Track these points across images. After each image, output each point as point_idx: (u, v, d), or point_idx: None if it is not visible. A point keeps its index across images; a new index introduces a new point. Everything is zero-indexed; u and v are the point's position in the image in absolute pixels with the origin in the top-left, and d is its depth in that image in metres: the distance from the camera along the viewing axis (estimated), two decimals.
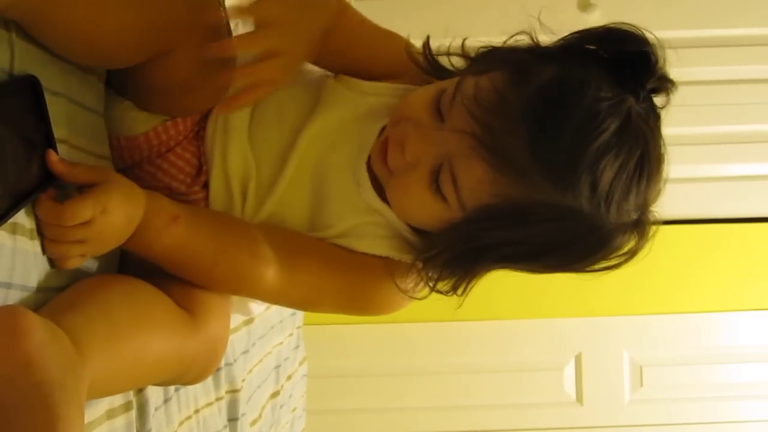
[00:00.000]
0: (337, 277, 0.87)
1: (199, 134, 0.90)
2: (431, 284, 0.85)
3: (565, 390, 2.40)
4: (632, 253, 0.78)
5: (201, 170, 0.89)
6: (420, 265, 0.85)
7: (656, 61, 0.77)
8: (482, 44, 0.87)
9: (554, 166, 0.71)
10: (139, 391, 0.82)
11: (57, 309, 0.65)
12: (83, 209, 0.67)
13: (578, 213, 0.73)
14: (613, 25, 0.78)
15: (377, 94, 0.90)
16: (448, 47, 0.88)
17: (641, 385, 2.39)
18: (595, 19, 2.31)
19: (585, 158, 0.71)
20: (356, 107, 0.89)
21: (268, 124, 0.89)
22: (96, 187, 0.69)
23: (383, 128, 0.88)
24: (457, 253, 0.80)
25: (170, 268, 0.79)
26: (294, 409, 1.60)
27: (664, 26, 2.49)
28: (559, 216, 0.74)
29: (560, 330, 2.39)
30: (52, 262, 0.68)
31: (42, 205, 0.66)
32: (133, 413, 0.79)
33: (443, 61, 0.89)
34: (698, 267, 2.36)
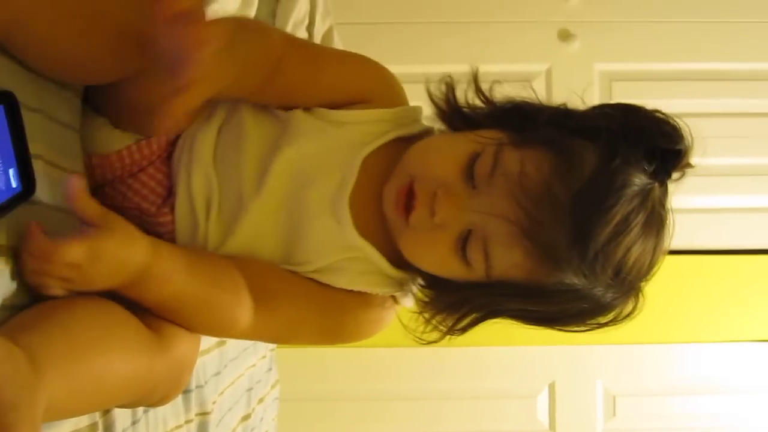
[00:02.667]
0: (313, 316, 0.88)
1: (171, 156, 0.89)
2: (431, 322, 0.86)
3: (539, 418, 2.40)
4: (624, 318, 0.85)
5: (171, 192, 0.89)
6: (420, 307, 0.88)
7: (686, 156, 0.81)
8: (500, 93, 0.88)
9: (588, 261, 0.75)
10: (106, 413, 0.80)
11: (16, 327, 0.63)
12: (75, 253, 0.65)
13: (599, 298, 0.80)
14: (657, 117, 0.80)
15: (349, 122, 0.88)
16: (467, 90, 0.88)
17: (614, 414, 2.40)
18: (574, 50, 2.34)
19: (616, 256, 0.76)
20: (329, 138, 0.87)
21: (231, 146, 0.87)
22: (95, 232, 0.67)
23: (366, 158, 0.86)
24: (467, 303, 0.84)
25: (153, 310, 0.77)
26: None
27: (642, 58, 2.52)
28: (581, 298, 0.79)
29: (534, 358, 2.39)
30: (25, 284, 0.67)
31: (33, 237, 0.65)
32: None
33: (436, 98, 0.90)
34: (673, 297, 2.37)
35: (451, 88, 0.89)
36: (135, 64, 0.76)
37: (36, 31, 0.68)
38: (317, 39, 1.30)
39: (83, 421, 0.74)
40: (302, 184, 0.86)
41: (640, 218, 0.77)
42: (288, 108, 0.89)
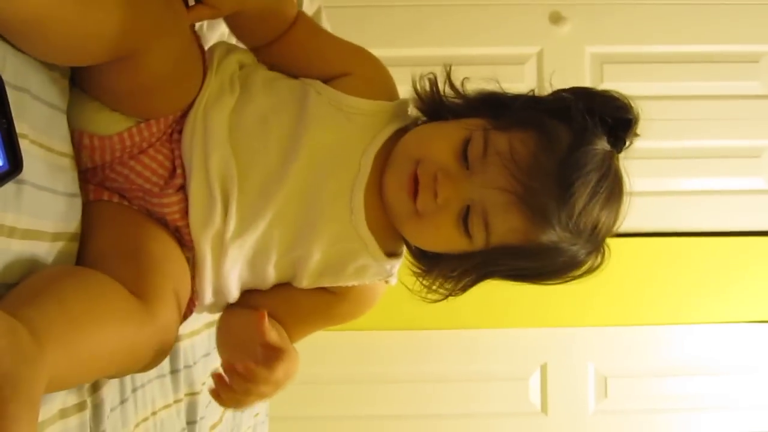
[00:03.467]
0: (320, 322, 1.03)
1: (173, 137, 0.90)
2: (431, 287, 0.96)
3: (530, 400, 2.41)
4: (595, 269, 0.95)
5: (175, 173, 0.89)
6: (419, 275, 0.97)
7: (636, 124, 0.94)
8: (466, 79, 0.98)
9: (575, 218, 0.87)
10: (94, 391, 0.81)
11: (13, 301, 0.64)
12: (279, 373, 0.83)
13: (576, 254, 0.91)
14: (610, 94, 0.94)
15: (358, 113, 0.94)
16: (444, 84, 0.97)
17: (606, 396, 2.41)
18: (565, 33, 2.34)
19: (594, 212, 0.88)
20: (343, 131, 0.93)
21: (251, 132, 0.90)
22: (285, 354, 0.84)
23: (378, 153, 0.93)
24: (465, 271, 0.94)
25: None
26: (256, 414, 1.59)
27: (632, 41, 2.53)
28: (562, 254, 0.90)
29: (526, 340, 2.40)
30: None
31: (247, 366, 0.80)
32: (88, 413, 0.78)
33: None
34: (662, 279, 2.39)
35: (434, 83, 0.97)
36: (126, 45, 0.76)
37: (25, 12, 0.67)
38: None
39: (71, 399, 0.75)
40: (322, 172, 0.91)
41: (608, 181, 0.89)
42: (284, 69, 0.97)
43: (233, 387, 0.81)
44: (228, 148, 0.89)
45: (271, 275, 0.95)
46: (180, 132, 0.89)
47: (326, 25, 1.39)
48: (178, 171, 0.89)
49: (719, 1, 2.37)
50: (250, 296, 0.97)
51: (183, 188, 0.89)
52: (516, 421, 2.41)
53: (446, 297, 0.96)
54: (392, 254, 0.97)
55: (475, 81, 0.97)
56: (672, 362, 2.41)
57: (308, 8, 1.30)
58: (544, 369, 2.41)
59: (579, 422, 2.41)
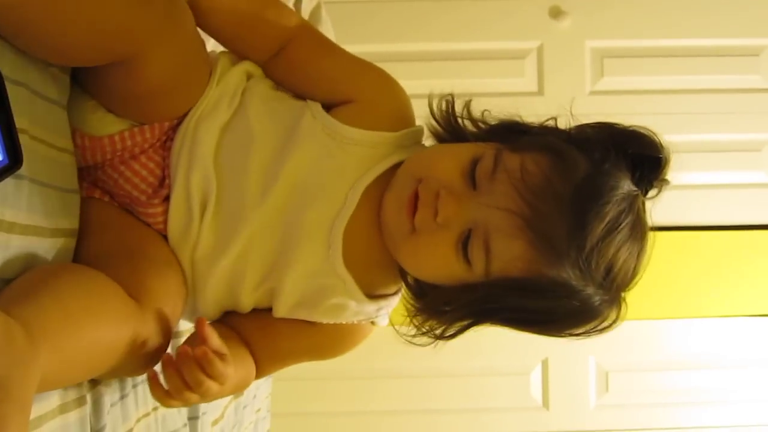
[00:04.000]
0: (304, 356, 0.98)
1: (166, 144, 0.88)
2: (420, 329, 0.89)
3: (532, 395, 2.41)
4: (612, 325, 0.90)
5: (164, 183, 0.88)
6: (411, 311, 0.90)
7: (665, 166, 0.87)
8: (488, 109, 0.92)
9: (585, 254, 0.78)
10: (94, 386, 0.81)
11: (8, 299, 0.64)
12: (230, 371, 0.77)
13: (589, 299, 0.82)
14: (637, 129, 0.86)
15: (354, 143, 0.88)
16: (463, 111, 0.91)
17: (607, 390, 2.41)
18: (565, 27, 2.34)
19: (609, 252, 0.80)
20: (333, 160, 0.87)
21: (236, 150, 0.87)
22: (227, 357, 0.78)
23: (369, 187, 0.88)
24: (461, 306, 0.86)
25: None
26: (258, 410, 1.59)
27: (632, 35, 2.53)
28: (572, 296, 0.81)
29: (527, 335, 2.40)
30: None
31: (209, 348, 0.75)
32: (87, 408, 0.77)
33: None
34: (664, 273, 2.38)
35: (451, 105, 0.92)
36: (124, 49, 0.76)
37: (25, 13, 0.67)
38: (305, 15, 1.30)
39: (71, 394, 0.75)
40: (302, 201, 0.86)
41: (629, 220, 0.81)
42: (288, 88, 0.92)
43: (184, 374, 0.74)
44: (211, 165, 0.86)
45: (246, 301, 0.92)
46: (173, 140, 0.88)
47: (326, 20, 1.39)
48: (167, 181, 0.87)
49: None
50: (230, 317, 0.94)
51: (168, 199, 0.87)
52: (517, 415, 2.41)
53: (436, 340, 0.89)
54: (378, 296, 0.93)
55: (495, 113, 0.91)
56: (673, 356, 2.41)
57: (307, 4, 1.29)
58: (545, 363, 2.41)
59: (580, 417, 2.41)
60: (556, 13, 2.35)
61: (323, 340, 0.95)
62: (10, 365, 0.56)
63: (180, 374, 0.75)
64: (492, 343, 2.40)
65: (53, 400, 0.71)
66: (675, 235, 2.37)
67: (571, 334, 0.87)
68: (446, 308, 0.86)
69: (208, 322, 0.78)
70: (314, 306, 0.91)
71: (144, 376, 0.95)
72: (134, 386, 0.92)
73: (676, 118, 2.29)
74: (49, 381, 0.63)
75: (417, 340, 0.90)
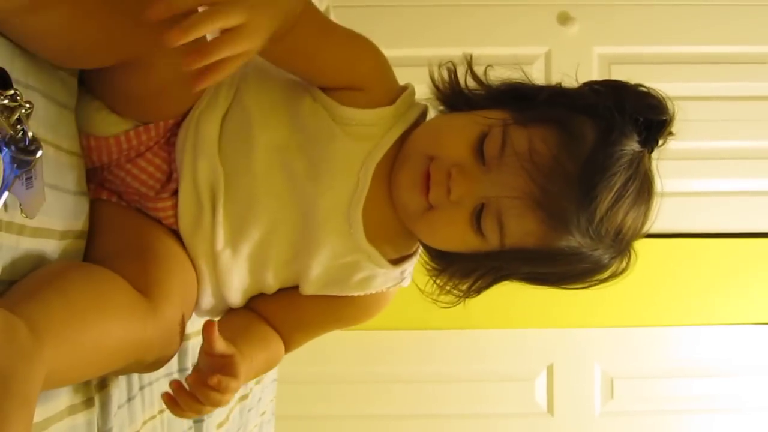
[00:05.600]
0: (330, 325, 1.00)
1: (170, 140, 0.89)
2: (445, 288, 0.93)
3: (537, 401, 2.41)
4: (623, 272, 0.92)
5: (171, 177, 0.89)
6: (434, 275, 0.93)
7: (670, 124, 0.90)
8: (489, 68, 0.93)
9: (595, 224, 0.82)
10: (102, 388, 0.81)
11: (14, 297, 0.64)
12: (235, 387, 0.78)
13: (599, 259, 0.87)
14: (644, 91, 0.89)
15: (354, 123, 0.88)
16: (465, 75, 0.92)
17: (612, 397, 2.41)
18: (573, 33, 2.34)
19: (617, 218, 0.84)
20: (338, 141, 0.88)
21: (238, 138, 0.87)
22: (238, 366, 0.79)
23: (379, 164, 0.88)
24: (480, 273, 0.91)
25: None
26: (263, 413, 1.60)
27: (640, 41, 2.52)
28: (584, 259, 0.86)
29: (532, 340, 2.40)
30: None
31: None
32: (95, 410, 0.78)
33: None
34: (671, 281, 2.38)
35: (453, 72, 0.92)
36: (131, 49, 0.76)
37: (33, 17, 0.68)
38: None
39: (79, 396, 0.75)
40: (315, 186, 0.87)
41: (636, 184, 0.84)
42: (286, 70, 0.90)
43: (200, 399, 0.77)
44: (216, 154, 0.86)
45: (271, 283, 0.93)
46: (177, 136, 0.88)
47: None
48: (174, 175, 0.88)
49: (728, 1, 2.37)
50: (255, 300, 0.96)
51: (177, 193, 0.88)
52: (522, 421, 2.41)
53: (460, 299, 0.93)
54: (401, 259, 0.95)
55: (499, 71, 0.92)
56: (679, 363, 2.40)
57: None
58: (550, 370, 2.41)
59: (585, 423, 2.40)
60: (564, 19, 2.35)
61: (352, 310, 0.97)
62: (14, 360, 0.56)
63: (193, 397, 0.78)
64: (497, 348, 2.40)
65: (61, 401, 0.72)
66: (683, 242, 2.37)
67: (587, 286, 0.91)
68: (466, 272, 0.91)
69: (214, 323, 0.79)
70: (344, 282, 0.93)
71: (151, 377, 0.96)
72: (141, 388, 0.92)
73: (685, 125, 2.28)
74: (55, 378, 0.63)
75: (441, 298, 0.93)
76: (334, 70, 0.89)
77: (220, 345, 0.78)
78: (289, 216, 0.88)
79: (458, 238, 0.87)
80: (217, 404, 0.78)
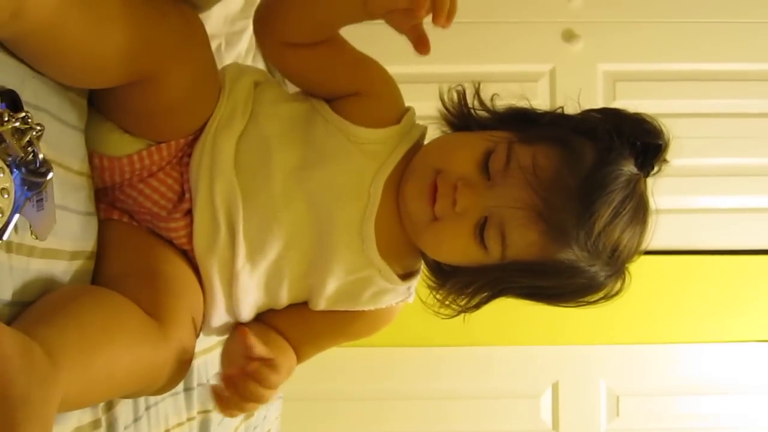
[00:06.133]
0: (339, 338, 1.02)
1: (182, 161, 0.90)
2: (445, 302, 0.95)
3: (542, 418, 2.40)
4: (617, 294, 0.95)
5: (183, 197, 0.89)
6: (434, 288, 0.96)
7: (665, 149, 0.93)
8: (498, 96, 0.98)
9: (594, 238, 0.86)
10: (109, 409, 0.81)
11: (29, 321, 0.65)
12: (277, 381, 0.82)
13: (595, 275, 0.90)
14: (641, 117, 0.93)
15: (367, 142, 0.92)
16: (473, 98, 0.97)
17: (617, 414, 2.39)
18: (578, 50, 2.34)
19: (614, 235, 0.87)
20: (352, 160, 0.91)
21: (255, 160, 0.89)
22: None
23: (388, 179, 0.91)
24: (480, 286, 0.93)
25: None
26: (269, 431, 1.59)
27: (645, 59, 2.52)
28: (581, 274, 0.89)
29: (538, 358, 2.39)
30: None
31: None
32: (102, 431, 0.78)
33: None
34: (676, 298, 2.37)
35: (462, 95, 0.97)
36: (148, 69, 0.77)
37: (45, 36, 0.68)
38: None
39: (86, 417, 0.75)
40: (329, 202, 0.90)
41: (632, 204, 0.88)
42: (297, 83, 0.95)
43: (242, 390, 0.80)
44: (233, 175, 0.88)
45: (284, 299, 0.95)
46: (190, 156, 0.89)
47: None
48: (187, 195, 0.89)
49: (733, 19, 2.37)
50: (265, 315, 0.97)
51: (190, 213, 0.89)
52: None
53: (459, 313, 0.95)
54: (408, 275, 0.97)
55: (505, 98, 0.97)
56: (685, 381, 2.39)
57: None
58: (555, 387, 2.40)
59: None
60: (569, 36, 2.36)
61: (361, 324, 1.00)
62: (32, 384, 0.57)
63: (239, 391, 0.80)
64: (503, 365, 2.39)
65: (69, 423, 0.72)
66: (687, 260, 2.36)
67: (580, 305, 0.94)
68: (466, 287, 0.93)
69: (246, 330, 0.83)
70: (356, 297, 0.96)
71: (156, 397, 0.96)
72: (147, 409, 0.92)
73: (689, 142, 2.26)
74: (69, 402, 0.64)
75: (442, 311, 0.96)
76: (344, 78, 0.93)
77: (261, 348, 0.82)
78: (306, 233, 0.90)
79: (461, 250, 0.89)
80: (259, 399, 0.81)
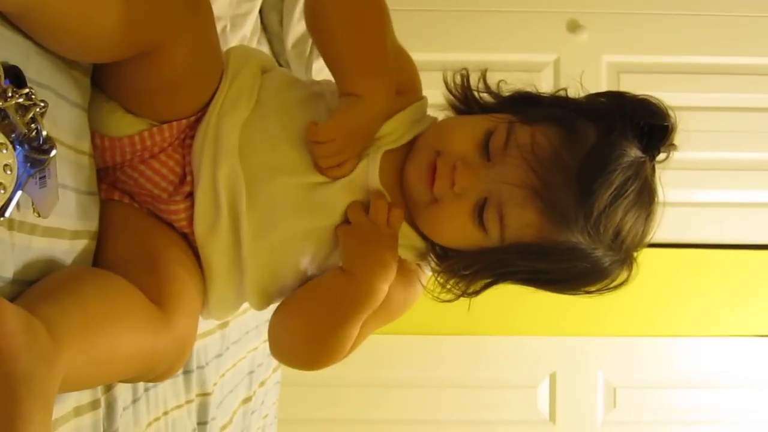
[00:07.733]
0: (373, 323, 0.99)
1: (184, 142, 0.89)
2: (446, 286, 0.93)
3: (539, 408, 2.41)
4: (623, 283, 0.92)
5: (184, 180, 0.89)
6: (435, 271, 0.94)
7: (672, 132, 0.91)
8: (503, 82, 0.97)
9: (593, 220, 0.84)
10: (108, 390, 0.81)
11: (32, 299, 0.64)
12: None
13: (599, 260, 0.88)
14: (645, 98, 0.91)
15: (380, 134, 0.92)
16: (478, 83, 0.96)
17: (614, 406, 2.40)
18: (582, 41, 2.34)
19: (616, 217, 0.85)
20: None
21: (261, 150, 0.89)
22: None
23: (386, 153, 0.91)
24: (480, 270, 0.91)
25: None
26: (266, 416, 1.60)
27: (650, 51, 2.51)
28: (583, 258, 0.87)
29: (536, 348, 2.40)
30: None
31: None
32: (101, 412, 0.78)
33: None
34: (676, 291, 2.38)
35: (465, 78, 0.96)
36: (152, 41, 0.76)
37: (50, 8, 0.68)
38: None
39: (85, 397, 0.75)
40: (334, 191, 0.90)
41: (635, 186, 0.86)
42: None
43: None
44: (237, 159, 0.87)
45: (289, 280, 0.93)
46: (192, 138, 0.89)
47: None
48: (188, 178, 0.88)
49: (738, 12, 2.37)
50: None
51: (191, 195, 0.88)
52: (524, 429, 2.41)
53: (458, 297, 0.93)
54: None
55: (509, 82, 0.96)
56: (682, 374, 2.40)
57: None
58: (553, 378, 2.41)
59: None
60: (573, 27, 2.35)
61: (389, 309, 0.97)
62: (35, 361, 0.57)
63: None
64: (500, 355, 2.40)
65: (69, 402, 0.71)
66: (687, 253, 2.36)
67: (585, 292, 0.92)
68: (466, 270, 0.91)
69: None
70: None
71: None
72: (146, 390, 0.92)
73: (692, 135, 2.28)
74: (70, 382, 0.63)
75: (442, 295, 0.94)
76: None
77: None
78: (310, 219, 0.89)
79: (460, 231, 0.88)
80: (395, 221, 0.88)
